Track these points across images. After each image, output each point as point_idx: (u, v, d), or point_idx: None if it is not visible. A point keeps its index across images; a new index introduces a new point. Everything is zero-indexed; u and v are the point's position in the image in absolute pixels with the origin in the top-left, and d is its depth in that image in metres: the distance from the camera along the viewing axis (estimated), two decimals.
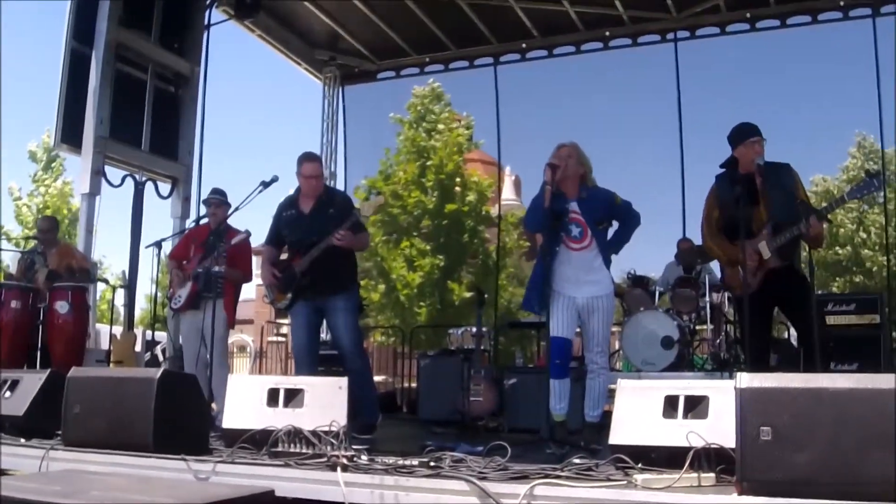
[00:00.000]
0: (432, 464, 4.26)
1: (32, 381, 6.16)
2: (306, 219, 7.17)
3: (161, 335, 12.45)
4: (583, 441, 5.93)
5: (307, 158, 7.27)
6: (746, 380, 3.70)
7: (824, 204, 7.24)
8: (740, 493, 3.56)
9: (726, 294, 10.66)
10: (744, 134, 6.49)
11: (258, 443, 4.87)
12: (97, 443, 5.06)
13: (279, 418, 4.97)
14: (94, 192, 10.82)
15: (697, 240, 11.00)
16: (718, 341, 10.58)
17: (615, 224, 6.61)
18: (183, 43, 12.33)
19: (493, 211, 26.71)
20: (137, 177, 11.93)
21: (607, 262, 6.51)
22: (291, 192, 7.45)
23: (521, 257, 27.80)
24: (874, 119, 12.42)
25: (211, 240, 8.08)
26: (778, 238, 6.16)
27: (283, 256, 7.40)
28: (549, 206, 6.27)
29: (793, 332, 8.43)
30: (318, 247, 6.93)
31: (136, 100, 11.76)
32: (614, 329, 10.21)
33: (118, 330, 11.69)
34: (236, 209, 7.63)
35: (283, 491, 4.24)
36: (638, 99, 15.07)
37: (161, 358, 12.41)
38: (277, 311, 8.07)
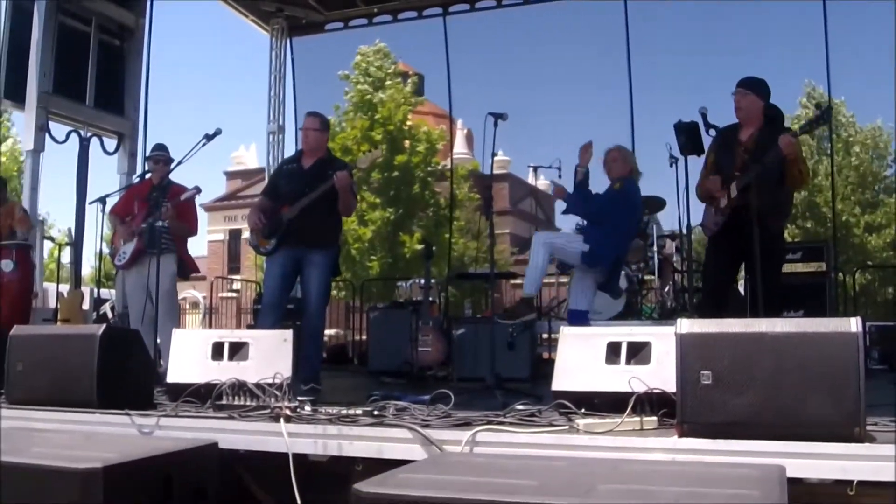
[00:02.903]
0: (376, 413, 4.28)
1: None
2: (305, 173, 7.29)
3: (109, 293, 12.35)
4: (530, 386, 6.01)
5: (311, 114, 7.54)
6: (687, 325, 3.73)
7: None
8: (681, 436, 3.60)
9: (674, 244, 10.76)
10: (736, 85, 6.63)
11: (203, 396, 4.85)
12: (41, 400, 5.01)
13: (224, 372, 4.95)
14: (39, 148, 10.68)
15: (644, 193, 11.16)
16: (666, 290, 10.67)
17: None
18: None
19: (445, 164, 26.71)
20: (82, 132, 11.76)
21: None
22: None
23: (476, 211, 27.88)
24: (822, 68, 12.51)
25: (154, 195, 7.98)
26: (745, 176, 6.19)
27: None
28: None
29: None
30: (310, 195, 7.01)
31: (80, 53, 11.56)
32: (563, 279, 10.27)
33: (65, 289, 11.59)
34: (179, 163, 7.57)
35: (226, 443, 4.23)
36: (587, 50, 15.12)
37: (110, 315, 12.34)
38: (259, 255, 8.15)
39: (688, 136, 6.43)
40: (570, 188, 7.05)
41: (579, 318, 6.87)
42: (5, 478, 3.53)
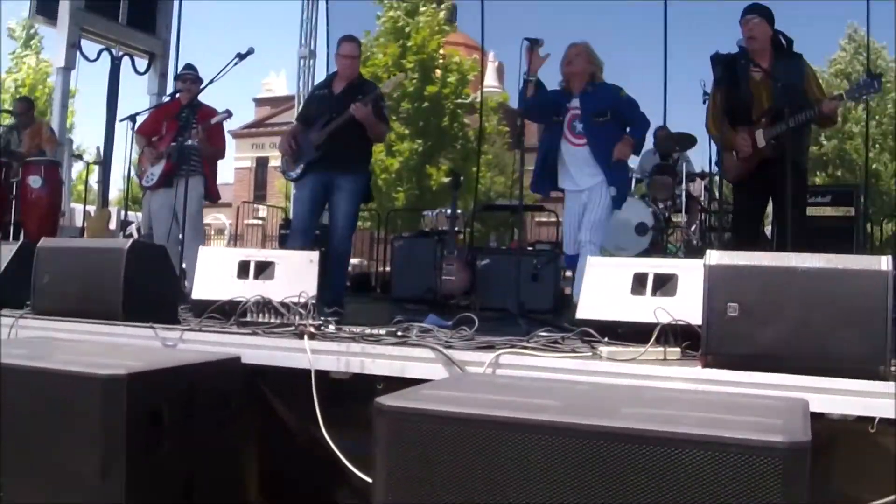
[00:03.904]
0: (399, 333, 4.28)
1: (4, 252, 6.12)
2: (335, 98, 7.31)
3: (135, 216, 12.41)
4: (552, 318, 5.99)
5: (346, 39, 7.52)
6: (716, 257, 3.69)
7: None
8: (704, 366, 3.58)
9: (703, 183, 10.68)
10: (742, 13, 6.39)
11: (227, 313, 4.87)
12: (67, 312, 5.03)
13: (249, 289, 4.97)
14: (70, 66, 10.74)
15: (676, 128, 11.03)
16: (693, 229, 10.62)
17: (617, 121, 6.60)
18: None
19: (475, 97, 26.56)
20: (114, 51, 11.78)
21: (608, 157, 6.47)
22: None
23: (505, 146, 27.76)
24: (863, 10, 12.32)
25: (184, 115, 7.98)
26: (776, 127, 6.08)
27: None
28: (534, 96, 6.37)
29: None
30: (336, 121, 7.05)
31: None
32: None
33: (92, 209, 11.66)
34: (211, 82, 7.52)
35: (249, 358, 4.24)
36: None
37: (135, 237, 12.41)
38: (288, 180, 8.15)
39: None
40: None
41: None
42: (29, 383, 3.56)
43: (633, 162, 11.41)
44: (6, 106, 18.64)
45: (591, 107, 6.49)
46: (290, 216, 9.79)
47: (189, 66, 8.44)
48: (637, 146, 6.71)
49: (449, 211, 9.53)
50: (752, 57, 6.24)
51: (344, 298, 7.05)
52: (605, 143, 6.45)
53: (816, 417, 3.15)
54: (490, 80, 29.03)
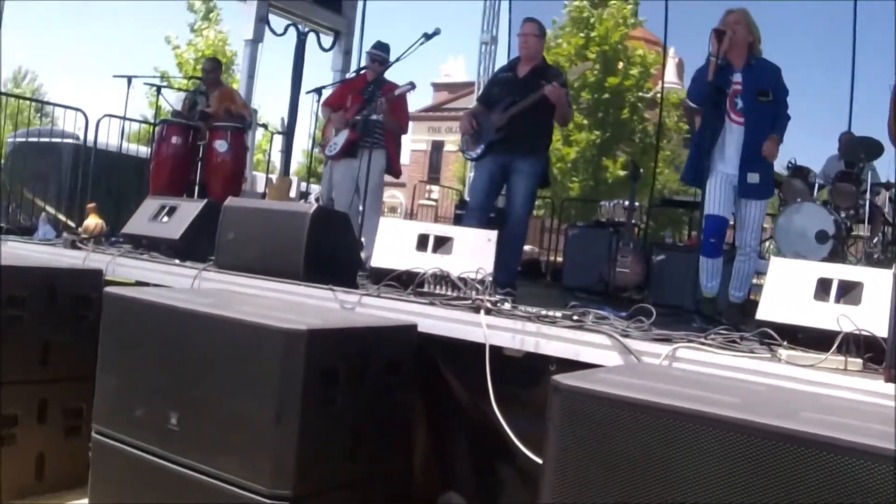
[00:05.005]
0: (575, 317, 4.26)
1: (190, 209, 6.37)
2: (518, 81, 7.29)
3: (315, 188, 12.68)
4: (727, 320, 5.83)
5: (527, 20, 7.56)
6: None
7: None
8: (888, 380, 3.44)
9: (888, 194, 10.30)
10: None
11: (404, 283, 4.94)
12: (248, 269, 5.20)
13: (427, 262, 5.02)
14: (258, 38, 11.04)
15: (861, 134, 10.65)
16: (875, 241, 10.25)
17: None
18: None
19: (654, 91, 26.25)
20: (300, 27, 12.05)
21: (760, 145, 6.11)
22: None
23: (681, 142, 27.33)
24: None
25: (370, 89, 8.12)
26: None
27: None
28: (714, 78, 5.93)
29: None
30: (520, 104, 7.02)
31: None
32: (768, 218, 9.97)
33: (274, 177, 11.97)
34: (397, 59, 7.67)
35: (425, 327, 4.30)
36: None
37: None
38: (467, 160, 8.13)
39: None
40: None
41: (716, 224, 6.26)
42: (212, 329, 3.70)
43: (817, 166, 11.11)
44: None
45: (755, 83, 6.09)
46: (466, 198, 9.84)
47: (380, 45, 8.53)
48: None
49: (627, 202, 9.45)
50: None
51: (517, 281, 7.05)
52: (763, 126, 6.07)
53: None
54: (670, 76, 28.55)
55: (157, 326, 3.94)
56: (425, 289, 4.79)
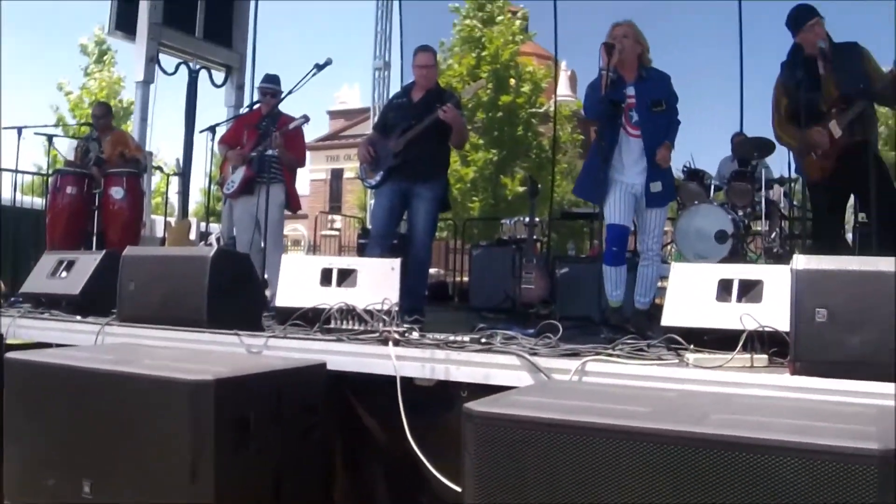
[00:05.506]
0: (483, 340, 4.28)
1: (88, 261, 6.24)
2: (413, 106, 7.32)
3: (215, 227, 12.56)
4: (634, 327, 5.88)
5: (421, 49, 7.51)
6: (803, 262, 3.63)
7: None
8: (793, 373, 3.52)
9: (782, 189, 10.53)
10: (801, 19, 6.29)
11: (311, 320, 4.92)
12: (152, 319, 5.13)
13: (332, 296, 5.01)
14: (149, 79, 10.89)
15: (753, 133, 10.88)
16: (773, 236, 10.46)
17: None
18: None
19: (547, 106, 26.54)
20: (191, 64, 11.96)
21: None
22: None
23: (577, 154, 27.66)
24: None
25: (264, 124, 8.06)
26: (848, 113, 5.99)
27: None
28: (607, 92, 5.93)
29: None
30: (416, 127, 7.07)
31: None
32: (668, 221, 10.11)
33: (173, 220, 11.83)
34: (290, 92, 7.60)
35: (334, 365, 4.28)
36: None
37: (216, 247, 12.55)
38: (367, 188, 8.13)
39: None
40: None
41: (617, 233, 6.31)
42: (117, 387, 3.63)
43: (711, 168, 11.31)
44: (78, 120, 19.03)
45: (648, 95, 6.17)
46: (368, 226, 9.83)
47: (271, 78, 8.50)
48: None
49: (527, 219, 9.51)
50: (812, 56, 6.19)
51: (424, 307, 7.06)
52: (659, 135, 6.16)
53: None
54: (563, 89, 28.90)
55: (62, 389, 3.84)
56: (332, 325, 4.77)
